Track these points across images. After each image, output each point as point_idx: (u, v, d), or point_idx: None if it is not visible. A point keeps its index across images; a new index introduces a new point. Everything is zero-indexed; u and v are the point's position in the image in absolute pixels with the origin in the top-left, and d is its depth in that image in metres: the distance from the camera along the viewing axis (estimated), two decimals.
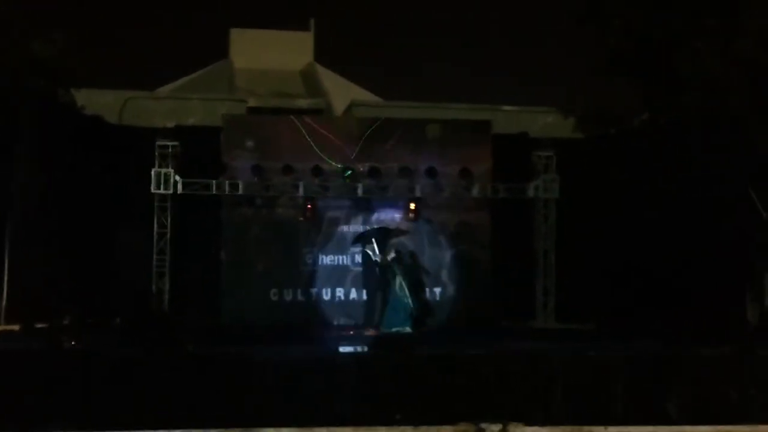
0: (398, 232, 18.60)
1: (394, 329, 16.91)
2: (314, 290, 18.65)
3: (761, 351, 13.98)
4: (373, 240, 17.88)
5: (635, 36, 22.10)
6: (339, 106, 27.22)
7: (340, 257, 18.81)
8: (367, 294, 18.05)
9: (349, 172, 18.54)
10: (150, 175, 17.93)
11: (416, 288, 17.66)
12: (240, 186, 18.18)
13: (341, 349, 13.50)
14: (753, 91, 20.33)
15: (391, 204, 18.96)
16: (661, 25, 21.46)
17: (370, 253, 17.79)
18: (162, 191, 17.99)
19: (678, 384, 12.77)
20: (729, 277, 17.47)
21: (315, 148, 18.73)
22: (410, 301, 17.23)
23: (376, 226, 18.62)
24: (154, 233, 18.06)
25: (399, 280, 17.40)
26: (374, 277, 17.71)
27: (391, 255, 17.75)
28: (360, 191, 18.49)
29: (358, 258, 18.55)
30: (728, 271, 17.45)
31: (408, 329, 16.98)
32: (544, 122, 24.12)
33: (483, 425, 6.92)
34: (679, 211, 17.70)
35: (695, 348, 13.76)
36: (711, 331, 14.77)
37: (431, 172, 18.62)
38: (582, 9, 22.32)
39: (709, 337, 14.31)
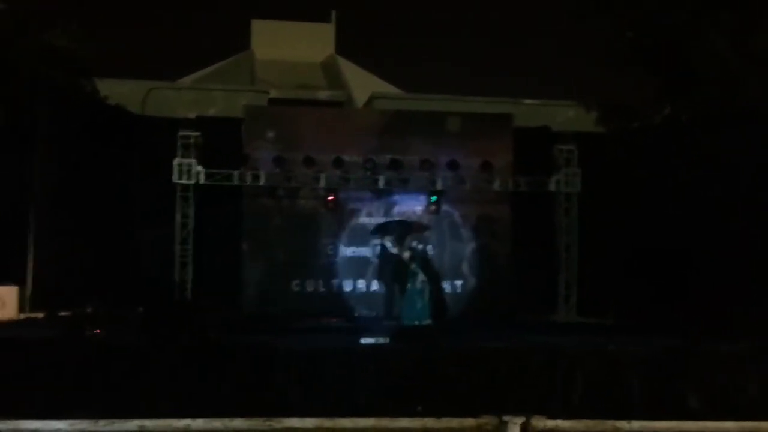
0: (418, 226, 18.57)
1: (414, 322, 16.94)
2: (335, 281, 18.67)
3: None
4: (392, 232, 17.90)
5: (654, 30, 22.01)
6: (360, 98, 27.20)
7: (362, 249, 18.80)
8: (384, 286, 18.06)
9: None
10: (172, 165, 17.95)
11: (434, 282, 17.68)
12: (261, 177, 18.22)
13: (362, 340, 13.53)
14: None
15: (413, 196, 18.92)
16: (679, 19, 21.36)
17: (388, 245, 17.81)
18: (184, 181, 18.05)
19: (696, 378, 12.75)
20: (749, 272, 17.40)
21: (336, 140, 18.68)
22: (427, 294, 17.27)
23: (397, 219, 18.60)
24: (177, 223, 18.11)
25: (418, 274, 17.43)
26: (390, 268, 17.72)
27: (409, 249, 17.75)
28: (381, 183, 18.49)
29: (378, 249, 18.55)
30: (749, 266, 17.39)
31: (427, 321, 17.00)
32: (566, 116, 23.99)
33: (506, 418, 6.88)
34: (700, 206, 17.63)
35: (716, 343, 13.75)
36: (731, 325, 14.73)
37: (452, 165, 18.61)
38: (601, 1, 22.24)
39: (730, 331, 14.28)
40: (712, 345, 13.52)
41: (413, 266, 17.46)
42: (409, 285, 17.38)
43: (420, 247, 18.04)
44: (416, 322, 16.94)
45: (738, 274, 17.21)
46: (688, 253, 17.53)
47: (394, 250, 17.67)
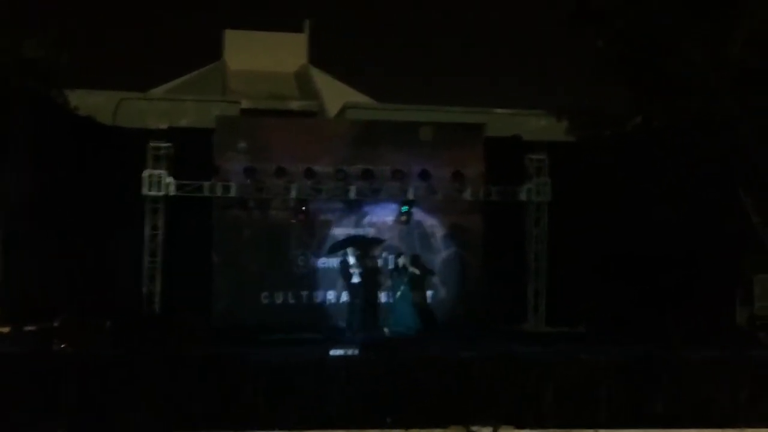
0: (374, 241, 18.68)
1: (402, 330, 17.05)
2: (305, 293, 18.62)
3: (750, 354, 14.06)
4: (349, 248, 17.98)
5: (626, 39, 22.16)
6: (332, 108, 27.20)
7: (332, 260, 18.75)
8: (349, 298, 18.11)
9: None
10: (143, 176, 17.85)
11: (419, 291, 17.76)
12: (232, 188, 18.15)
13: (331, 352, 13.50)
14: (743, 95, 20.41)
15: (384, 206, 18.93)
16: (652, 27, 21.52)
17: (350, 260, 17.85)
18: (154, 193, 17.95)
19: (667, 387, 12.83)
20: (719, 281, 17.53)
21: (307, 150, 18.66)
22: (413, 304, 17.37)
23: (350, 235, 18.63)
24: (146, 235, 18.00)
25: (403, 284, 17.52)
26: (351, 283, 17.80)
27: (401, 259, 17.88)
28: (352, 194, 18.48)
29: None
30: (718, 274, 17.51)
31: (413, 332, 17.09)
32: (537, 125, 24.09)
33: (474, 428, 6.92)
34: (670, 215, 17.74)
35: (685, 351, 13.82)
36: (701, 334, 14.82)
37: (424, 175, 18.62)
38: (572, 11, 22.37)
39: (699, 340, 14.37)
40: (681, 353, 13.60)
41: (400, 274, 17.58)
42: (397, 294, 17.50)
43: (408, 254, 18.14)
44: (404, 330, 17.03)
45: (708, 281, 17.34)
46: (658, 261, 17.64)
47: (354, 266, 17.72)
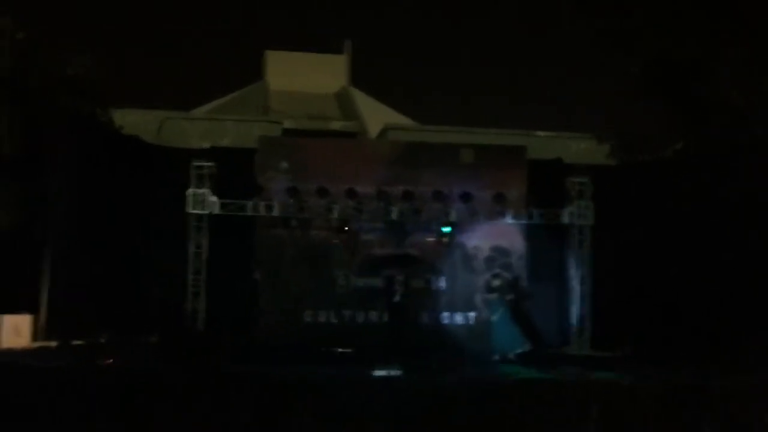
0: (417, 261, 18.71)
1: (515, 351, 17.06)
2: (347, 312, 18.65)
3: None
4: (399, 265, 18.04)
5: (661, 64, 22.13)
6: (373, 130, 27.35)
7: (373, 280, 18.77)
8: (390, 317, 18.12)
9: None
10: (185, 195, 18.01)
11: (519, 311, 17.76)
12: (275, 207, 18.25)
13: (375, 373, 13.50)
14: None
15: (425, 228, 18.94)
16: (687, 53, 21.46)
17: (398, 277, 17.90)
18: (198, 211, 18.09)
19: (716, 413, 12.67)
20: (763, 305, 17.35)
21: (349, 170, 18.74)
22: (516, 323, 17.42)
23: (393, 254, 18.68)
24: (190, 253, 18.14)
25: (506, 305, 17.56)
26: (394, 302, 17.86)
27: (497, 281, 17.90)
28: (394, 215, 18.49)
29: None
30: (762, 301, 17.33)
31: (525, 348, 17.12)
32: (578, 148, 24.06)
33: None
34: (712, 239, 17.60)
35: (728, 376, 13.68)
36: (750, 358, 14.66)
37: (466, 197, 18.60)
38: (610, 35, 22.37)
39: (747, 364, 14.21)
40: (728, 378, 13.45)
41: (495, 296, 17.60)
42: (495, 316, 17.50)
43: (511, 277, 18.16)
44: (511, 352, 17.01)
45: (751, 307, 17.15)
46: (701, 285, 17.49)
47: (397, 281, 17.78)
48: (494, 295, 17.62)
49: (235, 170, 18.72)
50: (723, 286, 17.30)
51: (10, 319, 15.45)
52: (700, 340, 16.56)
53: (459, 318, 18.80)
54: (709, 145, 21.93)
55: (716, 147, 21.19)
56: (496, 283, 17.77)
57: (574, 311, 18.77)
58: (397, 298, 17.96)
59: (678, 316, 17.31)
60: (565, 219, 18.79)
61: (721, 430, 12.54)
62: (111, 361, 13.49)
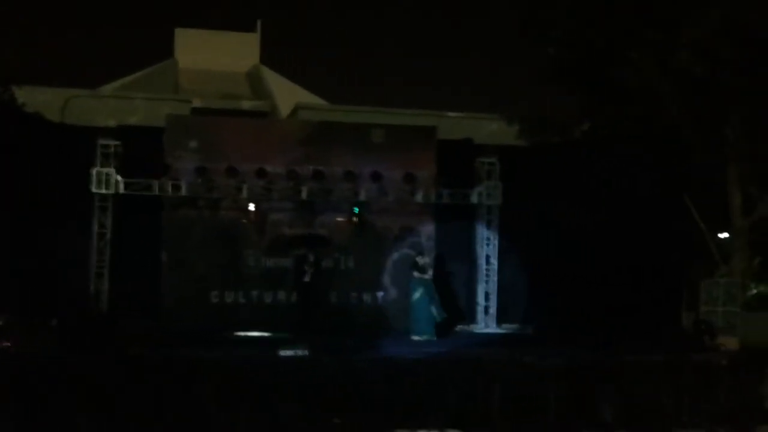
0: (326, 241, 18.69)
1: (422, 337, 16.99)
2: (255, 293, 18.54)
3: (694, 357, 14.30)
4: (308, 245, 18.01)
5: (575, 47, 22.51)
6: (284, 109, 27.18)
7: (283, 260, 18.70)
8: (299, 297, 18.11)
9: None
10: (91, 174, 17.64)
11: (436, 294, 17.62)
12: (183, 187, 17.99)
13: (281, 353, 13.47)
14: (689, 102, 20.82)
15: (335, 207, 18.93)
16: (600, 36, 21.87)
17: (310, 257, 17.89)
18: (103, 191, 17.73)
19: (612, 390, 12.98)
20: (666, 285, 17.81)
21: (259, 150, 18.58)
22: (433, 308, 17.31)
23: (302, 234, 18.61)
24: (94, 233, 17.79)
25: (420, 289, 17.45)
26: (303, 282, 17.85)
27: (419, 259, 17.82)
28: (304, 194, 18.42)
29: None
30: (665, 279, 17.80)
31: (434, 338, 17.06)
32: (489, 129, 24.31)
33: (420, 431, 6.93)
34: (618, 220, 17.97)
35: (631, 354, 14.03)
36: (647, 337, 15.04)
37: (375, 177, 18.64)
38: (522, 19, 22.67)
39: (645, 343, 14.58)
40: (626, 357, 13.79)
41: (417, 277, 17.49)
42: (414, 296, 17.39)
43: (430, 257, 18.11)
44: (424, 338, 16.96)
45: (653, 286, 17.59)
46: (606, 265, 17.86)
47: (309, 261, 17.78)
48: (418, 274, 17.58)
49: (142, 149, 18.37)
50: (628, 266, 17.70)
51: None
52: (603, 319, 16.92)
53: (368, 297, 18.87)
54: (616, 126, 22.42)
55: (624, 128, 21.66)
56: (420, 261, 17.80)
57: (481, 290, 19.01)
58: (307, 278, 17.92)
59: (582, 295, 17.63)
60: (474, 199, 18.98)
61: (616, 406, 12.86)
62: (8, 344, 13.19)
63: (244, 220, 18.60)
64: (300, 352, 13.52)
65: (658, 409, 12.94)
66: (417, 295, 17.40)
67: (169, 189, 17.97)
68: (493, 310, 18.88)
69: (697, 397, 13.02)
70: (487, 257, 19.05)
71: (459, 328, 18.66)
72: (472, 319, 19.07)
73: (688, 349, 15.03)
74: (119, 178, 17.72)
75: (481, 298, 18.98)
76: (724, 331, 16.74)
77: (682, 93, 21.53)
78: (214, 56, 31.20)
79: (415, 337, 17.01)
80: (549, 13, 22.52)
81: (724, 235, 23.43)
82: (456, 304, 18.98)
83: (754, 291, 23.92)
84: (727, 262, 22.63)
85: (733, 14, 20.10)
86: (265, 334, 17.13)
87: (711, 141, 21.89)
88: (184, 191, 18.02)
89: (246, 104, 26.94)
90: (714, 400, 13.01)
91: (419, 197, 18.82)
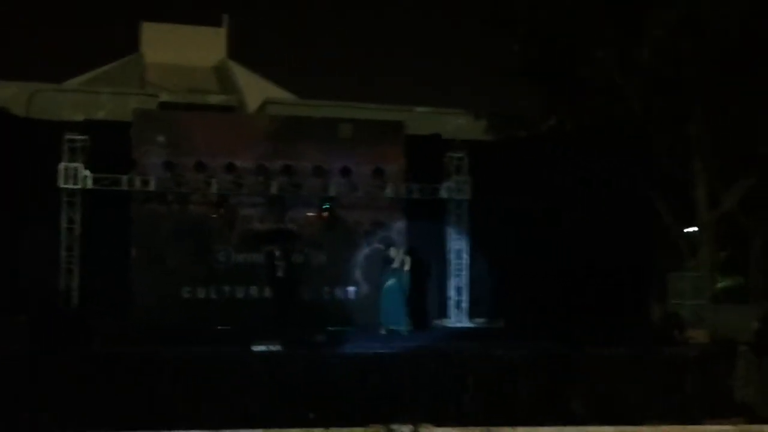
0: (296, 235, 18.66)
1: (390, 328, 17.01)
2: (227, 288, 18.47)
3: (663, 351, 14.49)
4: (275, 243, 17.99)
5: (540, 43, 22.69)
6: (252, 104, 27.09)
7: (253, 255, 18.64)
8: (274, 292, 18.08)
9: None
10: (58, 169, 17.46)
11: (408, 287, 17.65)
12: (151, 182, 17.85)
13: (254, 348, 13.46)
14: (652, 99, 21.09)
15: (305, 202, 18.89)
16: (565, 33, 22.06)
17: (277, 252, 17.87)
18: (70, 186, 17.56)
19: (582, 384, 13.12)
20: (634, 279, 18.00)
21: (228, 145, 18.50)
22: (402, 300, 17.34)
23: (273, 229, 18.58)
24: (62, 229, 17.62)
25: (391, 279, 17.47)
26: (277, 277, 17.80)
27: (392, 251, 17.80)
28: (274, 189, 18.37)
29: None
30: (634, 272, 17.98)
31: (403, 328, 17.09)
32: (456, 124, 24.38)
33: (394, 426, 6.97)
34: (586, 214, 18.13)
35: (600, 347, 14.18)
36: (616, 331, 15.19)
37: (345, 172, 18.63)
38: (488, 15, 22.82)
39: (614, 336, 14.73)
40: (595, 350, 13.93)
41: (389, 269, 17.51)
42: (385, 289, 17.39)
43: (401, 250, 18.09)
44: (393, 328, 16.98)
45: (621, 279, 17.76)
46: (576, 259, 18.00)
47: (278, 256, 17.76)
48: (389, 268, 17.63)
49: (110, 144, 18.19)
50: (596, 261, 17.85)
51: None
52: (572, 313, 17.06)
53: (339, 293, 18.86)
54: (579, 121, 22.62)
55: (585, 123, 21.87)
56: (392, 253, 17.83)
57: (452, 284, 19.08)
58: (279, 273, 17.89)
59: (551, 289, 17.76)
60: (443, 193, 19.02)
61: (586, 399, 13.01)
62: None
63: (214, 215, 18.50)
64: (273, 348, 13.53)
65: (628, 402, 13.10)
66: (387, 285, 17.49)
67: (138, 184, 17.83)
68: (464, 304, 18.94)
69: (667, 390, 13.20)
70: (458, 252, 19.10)
71: (431, 322, 18.71)
72: (444, 313, 19.12)
73: (658, 342, 15.22)
74: (87, 173, 17.54)
75: (452, 293, 19.04)
76: (693, 325, 16.94)
77: (645, 89, 21.78)
78: (181, 50, 30.96)
79: (384, 328, 17.08)
80: (512, 9, 22.68)
81: (692, 229, 23.70)
82: (427, 298, 19.04)
83: (722, 284, 24.29)
84: (694, 255, 22.91)
85: (693, 12, 20.35)
86: (238, 329, 17.06)
87: (675, 136, 22.17)
88: (152, 186, 17.88)
89: (214, 99, 26.79)
90: (683, 392, 13.20)
91: (389, 192, 18.84)
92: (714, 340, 16.29)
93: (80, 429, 11.25)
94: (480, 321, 18.74)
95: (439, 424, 11.25)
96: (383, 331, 17.07)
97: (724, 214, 23.02)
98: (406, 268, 17.68)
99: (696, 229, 23.44)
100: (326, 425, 10.76)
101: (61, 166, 17.46)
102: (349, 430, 7.43)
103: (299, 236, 18.81)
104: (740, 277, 25.70)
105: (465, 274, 19.05)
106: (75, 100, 23.44)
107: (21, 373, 12.21)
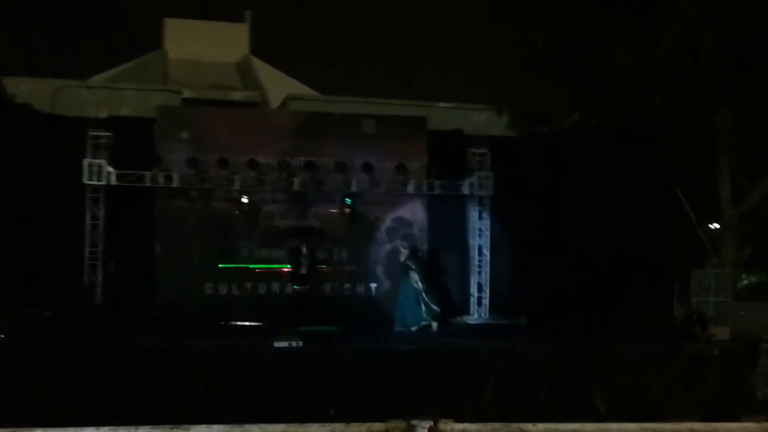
0: (320, 232, 18.67)
1: (418, 325, 17.07)
2: (249, 284, 18.52)
3: (686, 348, 14.41)
4: (304, 237, 18.03)
5: (563, 38, 22.54)
6: (274, 100, 27.07)
7: (276, 251, 18.69)
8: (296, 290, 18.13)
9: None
10: (82, 165, 17.58)
11: (429, 283, 17.70)
12: (174, 178, 17.94)
13: (276, 344, 13.51)
14: (673, 93, 20.91)
15: (328, 199, 18.92)
16: (584, 27, 21.90)
17: (303, 249, 17.90)
18: (94, 182, 17.67)
19: (604, 380, 13.08)
20: (658, 276, 17.90)
21: (250, 141, 18.56)
22: (426, 296, 17.37)
23: (297, 226, 18.62)
24: (86, 225, 17.75)
25: (414, 276, 17.51)
26: (300, 274, 17.85)
27: (405, 251, 17.85)
28: (296, 185, 18.41)
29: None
30: (657, 269, 17.88)
31: (432, 323, 17.14)
32: (478, 119, 24.28)
33: (414, 422, 6.95)
34: (608, 210, 18.05)
35: (623, 344, 14.12)
36: (639, 327, 15.12)
37: (367, 168, 18.63)
38: (508, 9, 22.69)
39: (637, 333, 14.67)
40: (617, 347, 13.88)
41: (411, 266, 17.54)
42: (406, 286, 17.42)
43: (414, 247, 18.14)
44: (414, 327, 17.02)
45: (645, 276, 17.67)
46: (599, 256, 17.93)
47: (303, 253, 17.78)
48: (408, 265, 17.63)
49: (133, 140, 18.32)
50: (620, 257, 17.77)
51: None
52: (595, 310, 16.99)
53: (361, 289, 18.89)
54: (601, 116, 22.48)
55: (607, 118, 21.73)
56: (402, 256, 17.84)
57: (474, 281, 19.06)
58: (303, 270, 17.91)
59: (575, 286, 17.70)
60: (466, 189, 18.99)
61: (608, 396, 12.97)
62: (2, 336, 13.19)
63: (237, 212, 18.57)
64: (294, 344, 13.57)
65: (650, 399, 13.05)
66: (402, 285, 17.55)
67: (161, 180, 17.92)
68: (486, 300, 18.92)
69: (689, 387, 13.14)
70: (480, 248, 19.08)
71: (452, 319, 18.70)
72: (465, 309, 19.10)
73: (680, 339, 15.14)
74: (111, 169, 17.65)
75: (473, 289, 19.02)
76: (716, 322, 16.83)
77: (666, 84, 21.60)
78: (204, 47, 30.96)
79: (397, 328, 17.11)
80: (533, 4, 22.54)
81: (715, 225, 23.50)
82: (449, 295, 19.04)
83: (745, 281, 24.07)
84: (717, 252, 22.72)
85: (716, 5, 20.13)
86: (260, 324, 17.13)
87: (698, 131, 21.97)
88: (175, 182, 17.97)
89: (236, 95, 26.75)
90: (706, 389, 13.13)
91: (411, 188, 18.83)
92: (736, 338, 16.19)
93: (102, 421, 11.34)
94: (501, 317, 18.72)
95: (459, 420, 11.26)
96: (398, 328, 17.09)
97: (748, 210, 22.80)
98: (401, 259, 17.68)
99: (719, 225, 23.25)
100: (346, 420, 10.77)
101: (85, 162, 17.59)
102: (369, 425, 7.44)
103: (322, 233, 18.83)
104: (764, 274, 25.47)
105: (486, 270, 19.03)
106: (99, 96, 23.47)
107: (45, 365, 12.33)
